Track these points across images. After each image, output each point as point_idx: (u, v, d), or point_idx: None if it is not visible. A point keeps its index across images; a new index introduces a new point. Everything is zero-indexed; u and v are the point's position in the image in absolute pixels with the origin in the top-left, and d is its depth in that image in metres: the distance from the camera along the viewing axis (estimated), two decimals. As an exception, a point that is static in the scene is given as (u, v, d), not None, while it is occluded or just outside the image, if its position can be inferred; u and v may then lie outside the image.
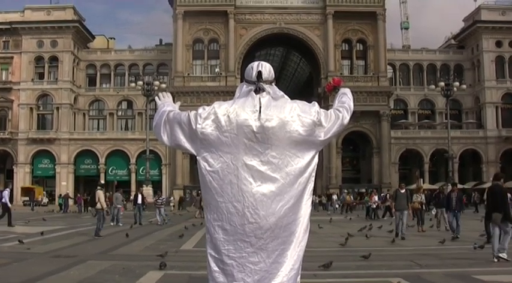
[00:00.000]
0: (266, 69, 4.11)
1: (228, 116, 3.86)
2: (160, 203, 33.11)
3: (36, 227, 27.33)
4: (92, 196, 25.33)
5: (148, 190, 54.59)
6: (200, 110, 3.96)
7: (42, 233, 21.85)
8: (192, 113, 3.97)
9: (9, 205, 29.23)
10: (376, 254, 15.77)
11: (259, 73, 4.05)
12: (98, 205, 23.16)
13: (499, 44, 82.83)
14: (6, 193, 29.67)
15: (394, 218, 25.83)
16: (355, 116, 69.48)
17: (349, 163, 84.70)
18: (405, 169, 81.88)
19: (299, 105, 3.98)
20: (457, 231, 21.23)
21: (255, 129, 3.81)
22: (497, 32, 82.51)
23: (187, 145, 3.99)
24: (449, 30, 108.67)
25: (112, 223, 29.97)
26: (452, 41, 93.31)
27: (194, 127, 3.91)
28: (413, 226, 25.78)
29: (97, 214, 23.30)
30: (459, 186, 58.37)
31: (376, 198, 35.92)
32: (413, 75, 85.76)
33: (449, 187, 26.90)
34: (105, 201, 25.70)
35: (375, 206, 38.91)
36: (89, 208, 49.08)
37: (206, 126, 3.88)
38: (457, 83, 53.60)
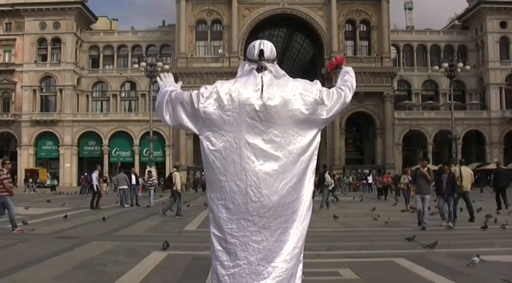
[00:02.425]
0: (268, 47, 4.10)
1: (230, 95, 3.85)
2: (150, 184, 32.61)
3: (40, 208, 27.45)
4: (168, 178, 25.21)
5: (152, 171, 54.64)
6: (202, 89, 3.95)
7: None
8: (194, 92, 3.96)
9: (99, 187, 29.61)
10: (379, 234, 15.84)
11: (261, 51, 4.04)
12: (176, 187, 23.14)
13: (503, 24, 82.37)
14: (95, 176, 29.66)
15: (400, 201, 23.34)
16: (359, 97, 69.43)
17: (353, 144, 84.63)
18: (409, 150, 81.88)
19: (301, 84, 3.97)
20: (450, 218, 18.03)
21: (257, 108, 3.81)
22: (502, 12, 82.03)
23: (189, 124, 3.99)
24: (453, 10, 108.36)
25: (122, 205, 29.86)
26: (456, 22, 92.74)
27: (196, 106, 3.90)
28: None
29: (172, 195, 23.32)
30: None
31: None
32: (417, 56, 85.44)
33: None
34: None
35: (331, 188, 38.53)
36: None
37: (208, 105, 3.88)
38: (460, 64, 53.38)
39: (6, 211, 16.63)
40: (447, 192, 18.27)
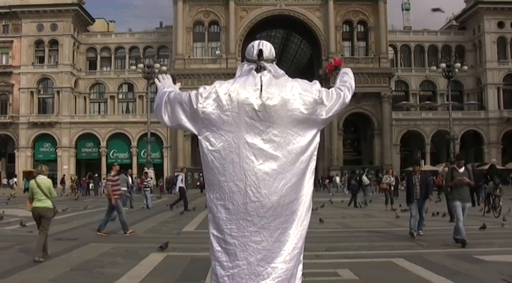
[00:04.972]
0: (267, 47, 4.09)
1: (229, 95, 3.83)
2: (146, 186, 31.96)
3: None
4: None
5: (149, 172, 54.61)
6: (201, 89, 3.94)
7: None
8: (193, 93, 3.95)
9: (185, 189, 29.28)
10: (377, 235, 15.84)
11: (260, 51, 4.03)
12: None
13: (500, 24, 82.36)
14: (180, 178, 29.41)
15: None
16: (356, 97, 69.33)
17: (350, 145, 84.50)
18: (406, 150, 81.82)
19: (300, 84, 3.96)
20: (420, 226, 15.57)
21: (256, 108, 3.79)
22: (499, 12, 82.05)
23: (188, 125, 3.98)
24: (451, 11, 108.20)
25: (125, 208, 29.28)
26: (454, 22, 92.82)
27: (195, 106, 3.89)
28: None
29: None
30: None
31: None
32: (414, 56, 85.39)
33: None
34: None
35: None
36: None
37: (207, 106, 3.86)
38: (458, 64, 53.40)
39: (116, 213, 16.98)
40: (421, 195, 15.65)
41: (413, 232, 15.08)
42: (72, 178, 60.34)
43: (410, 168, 17.53)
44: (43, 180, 11.91)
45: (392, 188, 29.48)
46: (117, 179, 17.35)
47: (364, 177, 31.05)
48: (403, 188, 34.11)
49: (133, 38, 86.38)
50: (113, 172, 17.42)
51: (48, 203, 11.71)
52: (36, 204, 11.67)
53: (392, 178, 30.26)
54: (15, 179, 58.55)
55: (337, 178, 62.04)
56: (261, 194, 3.76)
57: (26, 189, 56.74)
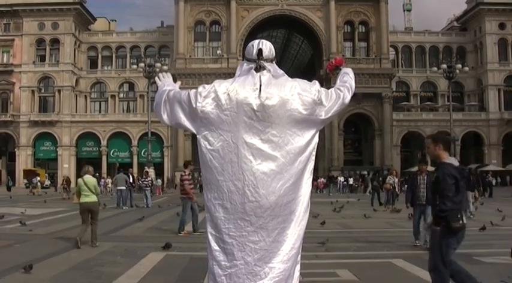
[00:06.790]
0: (267, 47, 4.08)
1: (228, 94, 3.83)
2: (146, 185, 31.77)
3: (37, 209, 27.40)
4: None
5: (150, 172, 54.59)
6: (200, 89, 3.93)
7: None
8: (192, 92, 3.94)
9: None
10: (377, 235, 15.84)
11: (260, 51, 4.02)
12: None
13: (502, 26, 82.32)
14: None
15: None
16: (357, 98, 69.27)
17: (351, 145, 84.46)
18: (407, 151, 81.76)
19: (300, 84, 3.95)
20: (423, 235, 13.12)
21: (255, 107, 3.79)
22: (501, 14, 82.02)
23: (187, 123, 3.97)
24: (452, 12, 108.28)
25: (125, 207, 29.24)
26: (455, 23, 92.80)
27: (194, 105, 3.88)
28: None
29: None
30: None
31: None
32: (415, 57, 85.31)
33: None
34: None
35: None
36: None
37: (206, 105, 3.86)
38: (459, 65, 53.35)
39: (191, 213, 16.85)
40: (427, 200, 12.91)
41: (418, 244, 13.31)
42: (63, 177, 60.30)
43: (412, 169, 16.60)
44: (89, 178, 13.93)
45: (395, 189, 30.21)
46: (190, 179, 17.14)
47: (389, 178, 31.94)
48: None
49: (134, 37, 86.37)
50: (187, 171, 17.18)
51: (94, 198, 13.78)
52: (84, 199, 13.64)
53: (396, 179, 30.78)
54: (38, 178, 58.80)
55: (341, 179, 61.75)
56: (259, 194, 3.75)
57: (9, 188, 57.45)
